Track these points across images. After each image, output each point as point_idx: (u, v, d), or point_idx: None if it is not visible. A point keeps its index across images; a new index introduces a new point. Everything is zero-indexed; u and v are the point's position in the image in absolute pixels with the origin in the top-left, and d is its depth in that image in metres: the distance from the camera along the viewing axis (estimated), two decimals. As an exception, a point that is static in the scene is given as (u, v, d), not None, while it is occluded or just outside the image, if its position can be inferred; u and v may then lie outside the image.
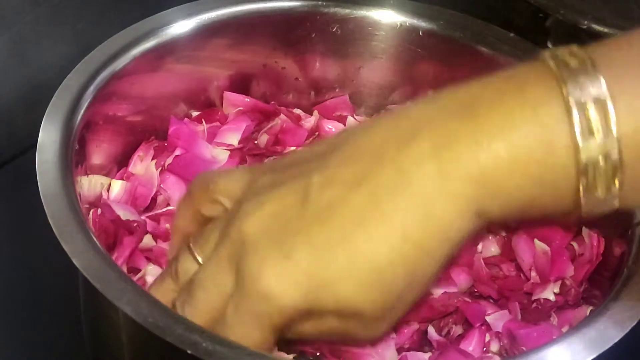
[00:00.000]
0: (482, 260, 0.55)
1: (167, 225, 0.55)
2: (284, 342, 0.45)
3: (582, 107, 0.39)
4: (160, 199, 0.57)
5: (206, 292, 0.44)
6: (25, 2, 0.66)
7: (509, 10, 0.68)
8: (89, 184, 0.54)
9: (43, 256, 0.59)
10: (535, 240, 0.55)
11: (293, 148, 0.62)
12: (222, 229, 0.44)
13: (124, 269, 0.52)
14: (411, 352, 0.51)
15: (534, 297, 0.54)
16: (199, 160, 0.58)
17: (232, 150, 0.59)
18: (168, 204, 0.57)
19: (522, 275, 0.55)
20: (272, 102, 0.64)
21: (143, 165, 0.58)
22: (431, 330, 0.52)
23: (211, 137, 0.60)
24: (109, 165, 0.57)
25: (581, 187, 0.40)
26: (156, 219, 0.55)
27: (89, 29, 0.70)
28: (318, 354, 0.50)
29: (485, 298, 0.55)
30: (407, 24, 0.62)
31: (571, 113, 0.39)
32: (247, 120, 0.61)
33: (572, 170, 0.39)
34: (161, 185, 0.57)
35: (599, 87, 0.39)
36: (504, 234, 0.57)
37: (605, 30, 0.64)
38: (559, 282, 0.53)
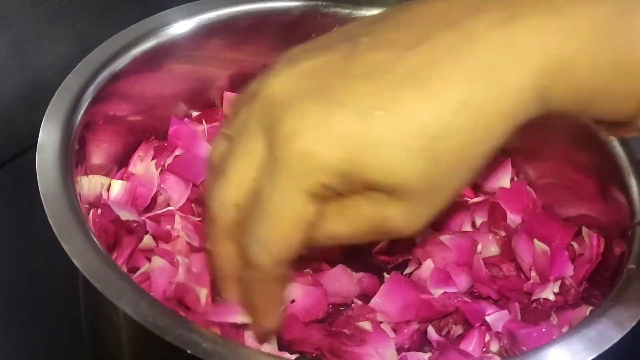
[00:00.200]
0: (481, 261, 0.55)
1: (168, 226, 0.55)
2: (307, 257, 0.42)
3: None
4: (160, 199, 0.57)
5: (235, 162, 0.40)
6: (25, 2, 0.66)
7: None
8: (89, 184, 0.54)
9: (43, 256, 0.59)
10: (535, 240, 0.55)
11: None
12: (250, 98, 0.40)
13: (124, 269, 0.52)
14: (411, 352, 0.51)
15: (533, 297, 0.54)
16: (199, 160, 0.58)
17: (232, 150, 0.59)
18: (168, 204, 0.57)
19: (522, 275, 0.56)
20: (272, 102, 0.64)
21: (143, 165, 0.58)
22: (431, 330, 0.52)
23: (211, 137, 0.60)
24: (109, 165, 0.57)
25: None
26: (156, 219, 0.55)
27: (89, 29, 0.70)
28: (318, 354, 0.50)
29: (485, 298, 0.55)
30: (407, 24, 0.62)
31: None
32: (247, 120, 0.61)
33: None
34: (161, 185, 0.57)
35: None
36: (503, 234, 0.57)
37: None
38: (559, 282, 0.53)
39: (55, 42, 0.69)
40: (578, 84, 0.37)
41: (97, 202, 0.55)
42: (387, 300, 0.52)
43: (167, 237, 0.54)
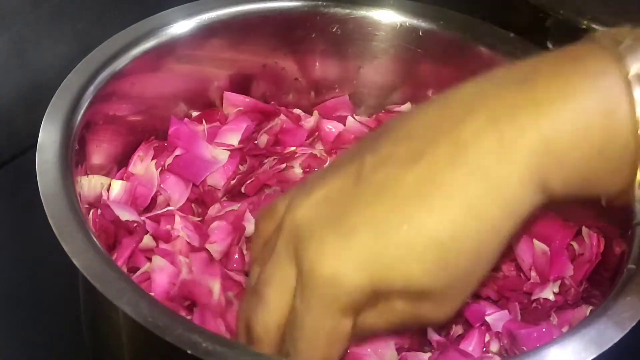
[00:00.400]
0: (482, 261, 0.55)
1: (168, 226, 0.55)
2: (355, 340, 0.44)
3: None
4: (160, 199, 0.57)
5: (272, 288, 0.42)
6: (25, 2, 0.66)
7: (509, 10, 0.68)
8: (89, 184, 0.54)
9: (43, 256, 0.59)
10: (535, 240, 0.55)
11: (293, 148, 0.62)
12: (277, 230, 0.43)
13: (124, 269, 0.52)
14: (411, 352, 0.51)
15: (533, 297, 0.54)
16: (199, 160, 0.58)
17: (232, 151, 0.59)
18: (168, 204, 0.57)
19: (521, 275, 0.56)
20: (272, 102, 0.64)
21: (143, 165, 0.58)
22: (431, 330, 0.52)
23: (211, 137, 0.60)
24: (109, 165, 0.57)
25: None
26: (156, 219, 0.55)
27: (89, 29, 0.70)
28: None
29: (485, 298, 0.55)
30: (407, 24, 0.62)
31: (630, 86, 0.38)
32: (247, 120, 0.61)
33: (632, 143, 0.38)
34: (161, 185, 0.57)
35: None
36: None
37: (606, 30, 0.64)
38: (559, 282, 0.53)
39: (55, 42, 0.69)
40: (572, 171, 0.40)
41: (97, 202, 0.55)
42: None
43: (167, 237, 0.54)
